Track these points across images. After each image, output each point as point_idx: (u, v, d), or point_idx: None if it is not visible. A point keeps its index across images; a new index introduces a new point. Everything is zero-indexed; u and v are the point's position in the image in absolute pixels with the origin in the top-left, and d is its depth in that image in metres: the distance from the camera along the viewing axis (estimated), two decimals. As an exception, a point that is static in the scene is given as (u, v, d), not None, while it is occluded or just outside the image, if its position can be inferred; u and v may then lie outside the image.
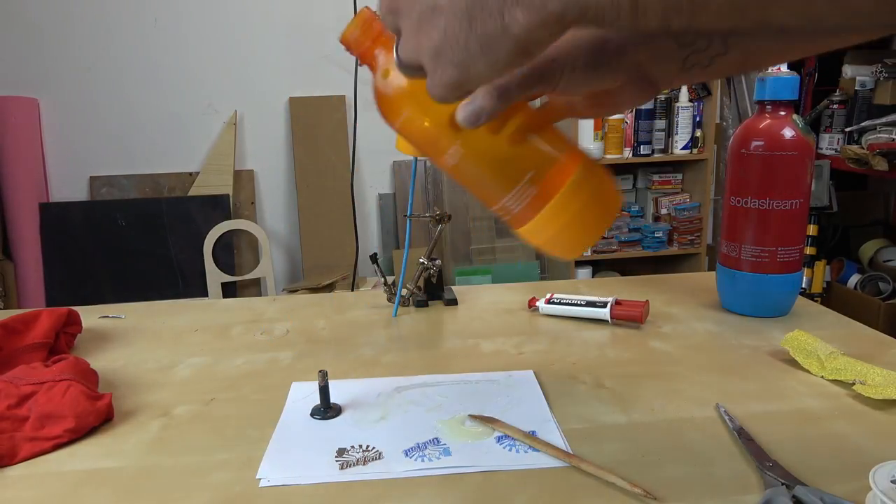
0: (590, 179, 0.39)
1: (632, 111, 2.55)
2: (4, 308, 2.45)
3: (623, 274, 2.63)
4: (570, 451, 0.46)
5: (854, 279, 2.43)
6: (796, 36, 0.34)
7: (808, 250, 2.26)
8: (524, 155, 0.39)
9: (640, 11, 0.26)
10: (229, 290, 2.57)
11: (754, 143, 0.69)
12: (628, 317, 0.72)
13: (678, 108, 2.57)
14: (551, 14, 0.27)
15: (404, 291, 0.80)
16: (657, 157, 2.59)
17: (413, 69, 0.34)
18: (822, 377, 0.58)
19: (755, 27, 0.25)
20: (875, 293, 2.34)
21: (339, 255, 2.67)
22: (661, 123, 2.57)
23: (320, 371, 0.53)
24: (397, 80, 0.38)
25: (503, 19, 0.29)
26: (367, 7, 0.39)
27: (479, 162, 0.39)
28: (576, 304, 0.74)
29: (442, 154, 0.39)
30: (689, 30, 0.26)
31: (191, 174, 2.65)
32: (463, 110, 0.35)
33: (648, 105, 2.64)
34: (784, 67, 0.71)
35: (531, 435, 0.48)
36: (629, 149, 2.58)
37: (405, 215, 0.84)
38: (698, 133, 2.59)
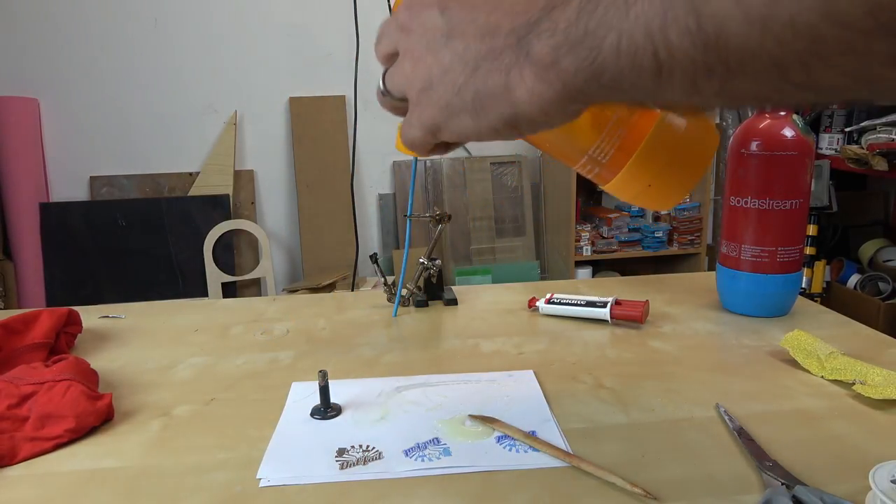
0: (674, 124, 0.36)
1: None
2: (4, 308, 2.45)
3: (623, 274, 2.63)
4: (570, 451, 0.46)
5: (854, 279, 2.43)
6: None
7: (808, 250, 2.26)
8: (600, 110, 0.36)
9: (665, 74, 0.23)
10: (229, 290, 2.57)
11: (754, 143, 0.69)
12: (628, 317, 0.72)
13: (678, 108, 2.57)
14: (563, 73, 0.24)
15: (404, 291, 0.80)
16: (657, 157, 2.59)
17: (394, 99, 0.32)
18: (822, 377, 0.58)
19: (798, 92, 0.22)
20: (875, 293, 2.34)
21: (339, 255, 2.67)
22: (661, 123, 2.57)
23: (320, 371, 0.53)
24: None
25: (508, 76, 0.26)
26: None
27: None
28: (576, 304, 0.74)
29: None
30: (718, 98, 0.23)
31: (191, 174, 2.65)
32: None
33: (648, 105, 2.64)
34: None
35: (531, 435, 0.48)
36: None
37: (405, 215, 0.84)
38: (698, 133, 2.59)
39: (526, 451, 0.47)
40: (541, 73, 0.25)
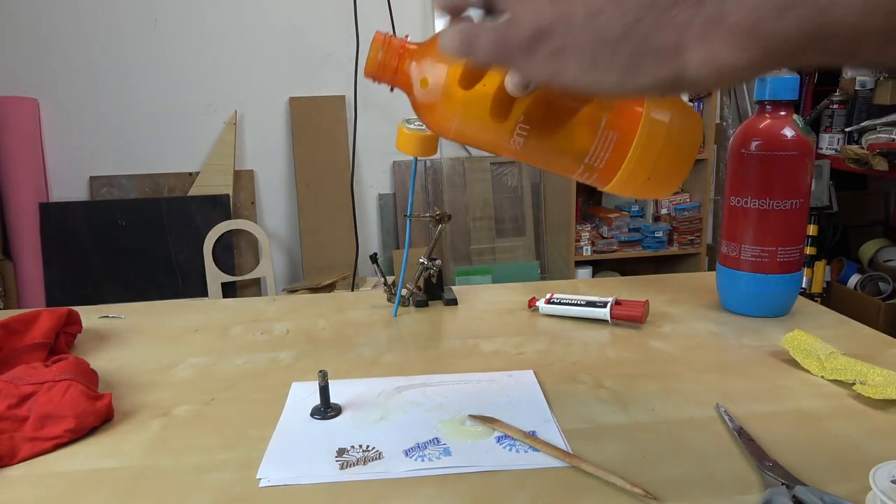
0: (659, 118, 0.37)
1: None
2: (4, 308, 2.45)
3: (623, 274, 2.63)
4: (570, 451, 0.46)
5: (854, 279, 2.43)
6: None
7: (808, 250, 2.26)
8: (586, 119, 0.37)
9: None
10: (229, 290, 2.57)
11: (754, 143, 0.69)
12: (628, 317, 0.72)
13: (678, 108, 2.57)
14: (766, 40, 0.20)
15: (404, 291, 0.80)
16: (657, 157, 2.59)
17: (477, 7, 0.26)
18: (822, 377, 0.58)
19: None
20: (875, 293, 2.34)
21: (339, 255, 2.67)
22: (661, 123, 2.56)
23: (320, 371, 0.53)
24: (438, 82, 0.36)
25: (682, 35, 0.22)
26: (376, 31, 0.38)
27: (544, 139, 0.38)
28: (576, 304, 0.74)
29: (506, 143, 0.38)
30: None
31: (191, 174, 2.65)
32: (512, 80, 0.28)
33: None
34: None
35: (531, 435, 0.48)
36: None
37: (405, 215, 0.84)
38: (698, 133, 2.59)
39: (526, 451, 0.47)
40: (733, 40, 0.21)
